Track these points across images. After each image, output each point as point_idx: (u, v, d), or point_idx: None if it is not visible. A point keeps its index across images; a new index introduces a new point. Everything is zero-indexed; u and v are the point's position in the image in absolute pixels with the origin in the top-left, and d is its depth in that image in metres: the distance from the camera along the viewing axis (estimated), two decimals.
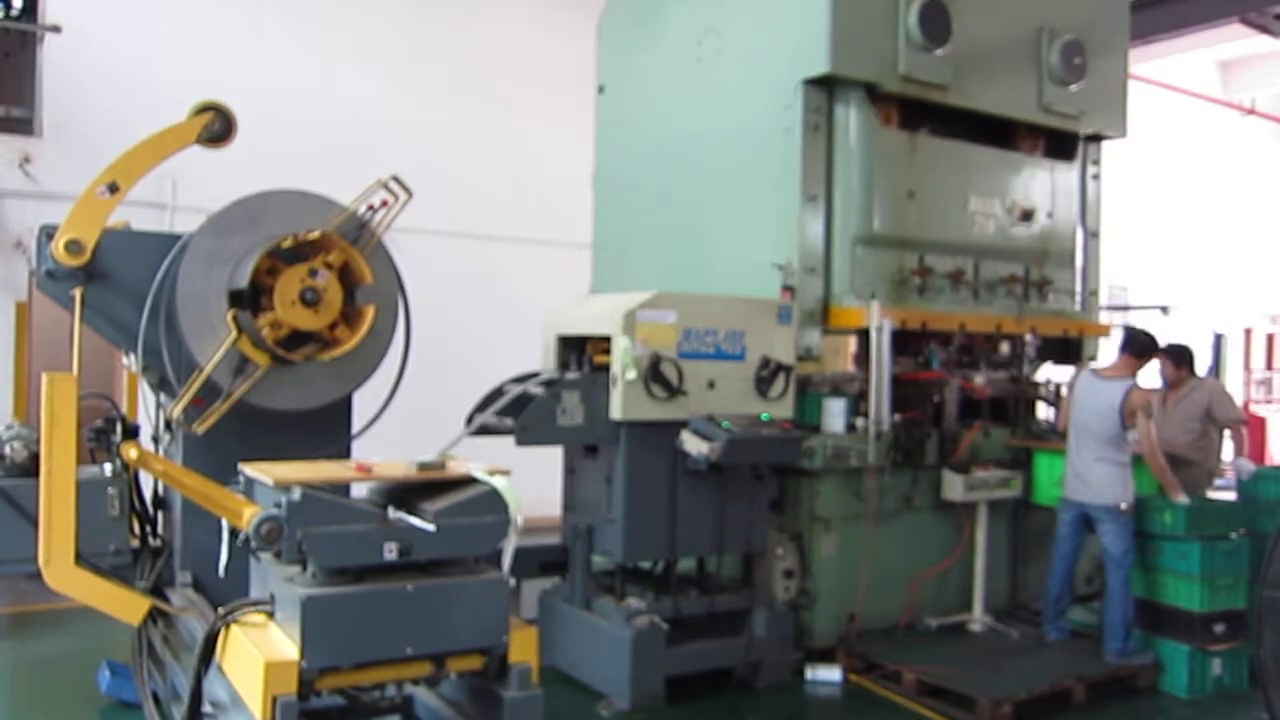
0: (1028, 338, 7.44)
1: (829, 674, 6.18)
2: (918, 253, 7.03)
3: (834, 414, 6.53)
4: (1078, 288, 8.02)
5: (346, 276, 5.22)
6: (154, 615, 4.91)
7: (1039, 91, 7.55)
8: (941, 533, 6.94)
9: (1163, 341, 6.86)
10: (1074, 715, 5.77)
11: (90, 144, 7.49)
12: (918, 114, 7.14)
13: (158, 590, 5.10)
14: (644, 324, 5.69)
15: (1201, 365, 7.82)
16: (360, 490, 4.36)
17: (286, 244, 5.03)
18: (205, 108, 5.23)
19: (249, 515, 3.89)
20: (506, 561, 4.10)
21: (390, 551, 3.90)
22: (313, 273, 5.08)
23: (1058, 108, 7.63)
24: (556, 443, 5.94)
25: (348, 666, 3.85)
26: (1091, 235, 8.16)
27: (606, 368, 5.74)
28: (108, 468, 5.08)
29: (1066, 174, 7.90)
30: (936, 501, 6.88)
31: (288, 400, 5.18)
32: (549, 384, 5.74)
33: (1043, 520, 7.11)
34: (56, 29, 8.99)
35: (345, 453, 5.50)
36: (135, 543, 5.27)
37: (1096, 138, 8.11)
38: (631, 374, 5.59)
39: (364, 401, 5.65)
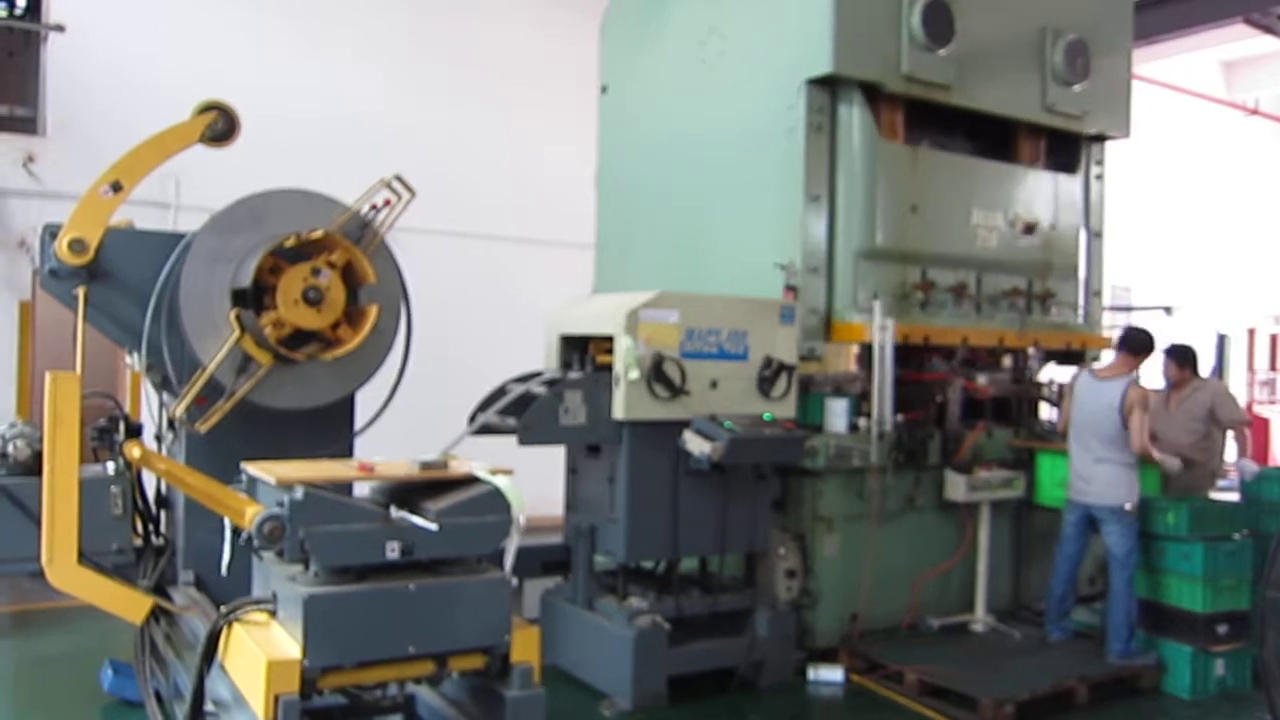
0: (1030, 351, 7.44)
1: (831, 674, 6.18)
2: (920, 267, 7.03)
3: (836, 414, 6.52)
4: (1080, 297, 8.02)
5: (349, 276, 5.23)
6: (156, 614, 4.92)
7: (1042, 91, 7.54)
8: (944, 533, 6.94)
9: (1166, 342, 6.85)
10: (1076, 716, 5.76)
11: (93, 143, 7.51)
12: (921, 118, 7.13)
13: (160, 589, 5.11)
14: (647, 324, 5.68)
15: (1205, 366, 7.81)
16: (362, 489, 4.37)
17: (289, 243, 5.04)
18: (208, 107, 5.24)
19: (251, 514, 3.89)
20: (509, 561, 4.10)
21: (392, 550, 3.91)
22: (316, 272, 5.08)
23: (1061, 108, 7.63)
24: (559, 442, 5.94)
25: (350, 665, 3.85)
26: (1095, 236, 8.16)
27: (609, 367, 5.74)
28: (111, 466, 5.10)
29: (1069, 185, 7.89)
30: (939, 502, 6.88)
31: (290, 399, 5.18)
32: (551, 383, 5.73)
33: (1045, 520, 7.10)
34: (60, 28, 9.00)
35: (348, 452, 5.51)
36: (138, 541, 5.29)
37: (1100, 138, 8.11)
38: (634, 373, 5.59)
39: (366, 401, 5.65)
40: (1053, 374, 7.88)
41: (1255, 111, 17.99)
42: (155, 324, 5.06)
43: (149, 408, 5.91)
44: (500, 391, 5.95)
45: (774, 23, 6.99)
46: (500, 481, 4.08)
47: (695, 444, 5.65)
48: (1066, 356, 7.88)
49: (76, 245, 4.88)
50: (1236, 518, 6.42)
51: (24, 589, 7.33)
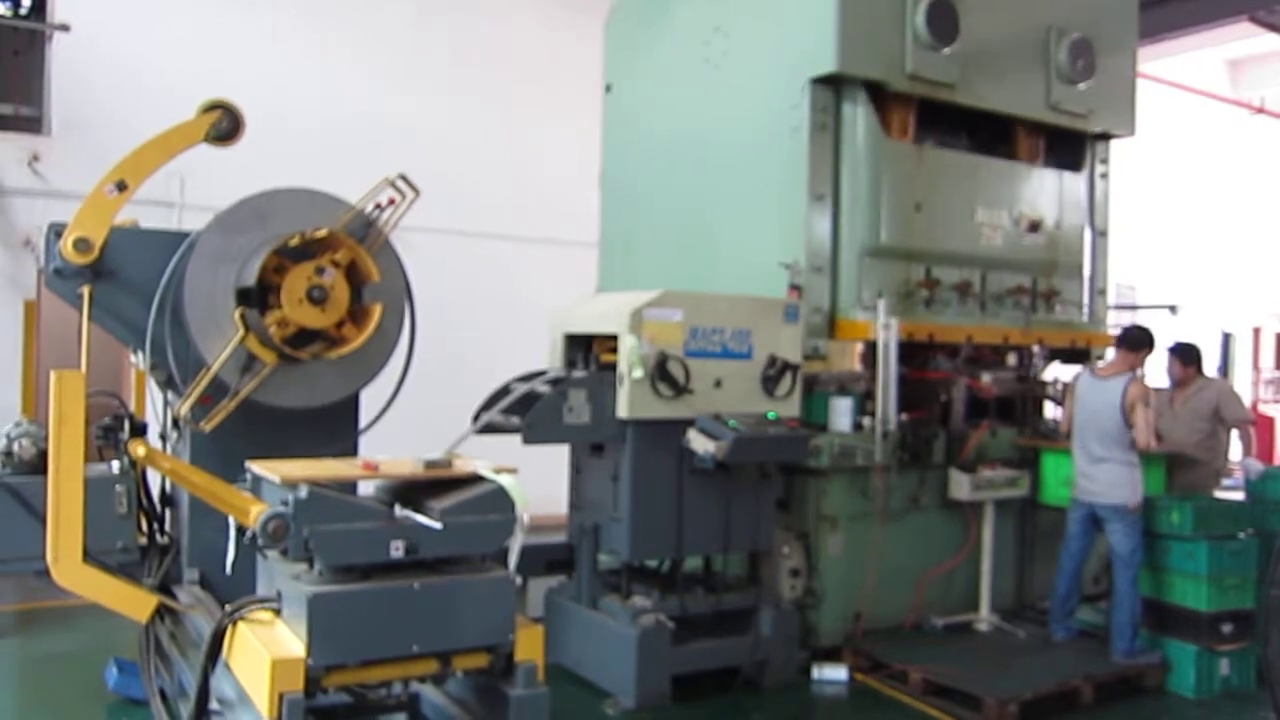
0: (1035, 349, 7.43)
1: (835, 673, 6.17)
2: (924, 264, 7.02)
3: (841, 413, 6.52)
4: (1085, 296, 8.00)
5: (353, 275, 5.23)
6: (161, 612, 4.93)
7: (1047, 90, 7.52)
8: (948, 532, 6.93)
9: (1170, 340, 6.84)
10: (1081, 715, 5.76)
11: (98, 142, 7.51)
12: (924, 117, 7.11)
13: (165, 587, 5.12)
14: (651, 322, 5.69)
15: (1210, 365, 7.79)
16: (367, 488, 4.37)
17: (294, 242, 5.04)
18: (213, 106, 5.25)
19: (256, 513, 3.89)
20: (513, 559, 4.10)
21: (397, 549, 3.91)
22: (320, 271, 5.09)
23: (1066, 106, 7.61)
24: (563, 441, 5.94)
25: (354, 664, 3.85)
26: (1099, 234, 8.14)
27: (613, 366, 5.74)
28: (115, 465, 5.11)
29: (1074, 182, 7.88)
30: (943, 501, 6.87)
31: (294, 398, 5.19)
32: (555, 382, 5.74)
33: (1050, 520, 7.09)
34: (65, 28, 9.02)
35: (352, 451, 5.51)
36: (143, 540, 5.29)
37: (1105, 136, 8.09)
38: (638, 372, 5.59)
39: (370, 400, 5.65)
40: (1057, 373, 7.86)
41: (1261, 110, 17.94)
42: (160, 323, 5.07)
43: (153, 407, 5.91)
44: (504, 390, 5.96)
45: (778, 21, 6.98)
46: (504, 480, 4.09)
47: (699, 443, 5.65)
48: (1071, 354, 7.87)
49: (81, 244, 4.89)
50: (1241, 517, 6.41)
51: (30, 587, 7.32)
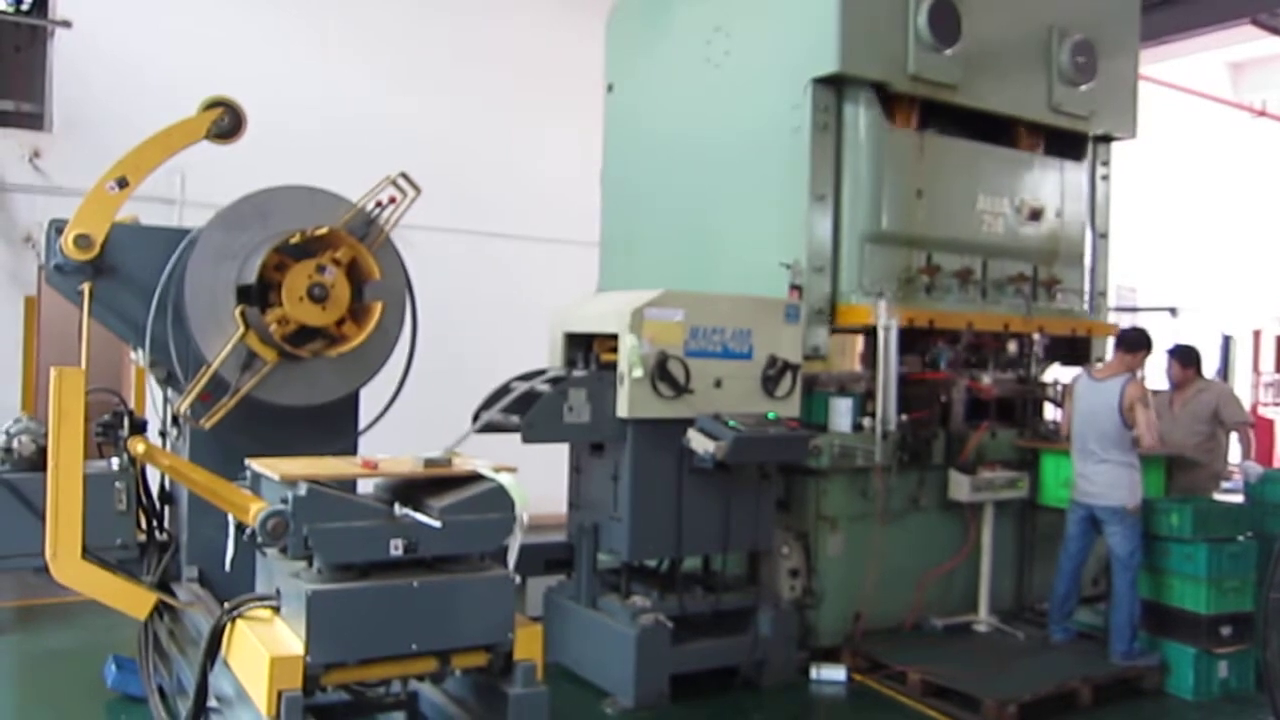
0: (1035, 337, 7.43)
1: (834, 673, 6.18)
2: (925, 251, 7.03)
3: (841, 413, 6.52)
4: (1086, 287, 8.01)
5: (354, 273, 5.22)
6: (160, 610, 4.93)
7: (1049, 91, 7.52)
8: (948, 533, 6.93)
9: (1169, 342, 6.84)
10: (1079, 717, 5.76)
11: (99, 139, 7.50)
12: (925, 116, 7.11)
13: (164, 585, 5.12)
14: (651, 322, 5.69)
15: (1210, 367, 7.79)
16: (366, 486, 4.36)
17: (294, 240, 5.03)
18: (214, 103, 5.24)
19: (255, 510, 3.89)
20: (512, 558, 4.10)
21: (396, 547, 3.91)
22: (320, 269, 5.08)
23: (1067, 108, 7.61)
24: (563, 440, 5.94)
25: (353, 662, 3.85)
26: (1100, 236, 8.14)
27: (613, 366, 5.74)
28: (115, 462, 5.11)
29: (1075, 173, 7.88)
30: (943, 502, 6.88)
31: (295, 396, 5.18)
32: (556, 381, 5.74)
33: (1049, 521, 7.09)
34: (67, 24, 9.02)
35: (352, 449, 5.51)
36: (142, 537, 5.29)
37: (1106, 138, 8.09)
38: (638, 372, 5.59)
39: (370, 398, 5.65)
40: (1057, 374, 7.86)
41: (1262, 113, 17.95)
42: (160, 320, 5.06)
43: (153, 404, 5.91)
44: (504, 389, 5.95)
45: (780, 21, 6.98)
46: (504, 479, 4.08)
47: (699, 443, 5.65)
48: (1072, 347, 7.86)
49: (82, 241, 4.88)
50: (1240, 519, 6.41)
51: (28, 584, 7.33)
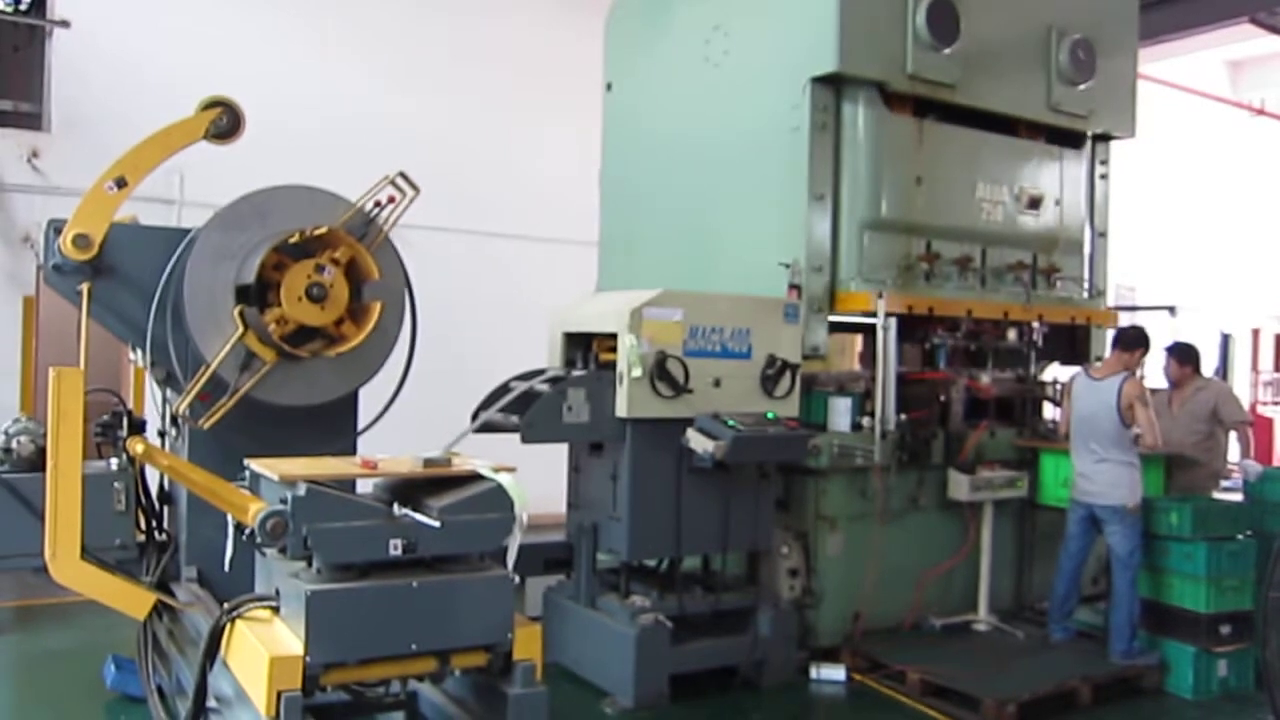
0: (1035, 325, 7.42)
1: (833, 673, 6.18)
2: (925, 238, 7.03)
3: (840, 413, 6.52)
4: (1085, 275, 8.01)
5: (353, 272, 5.22)
6: (159, 610, 4.93)
7: (1047, 91, 7.52)
8: (947, 532, 6.93)
9: (1168, 341, 6.84)
10: (1079, 716, 5.76)
11: (98, 139, 7.50)
12: (925, 112, 7.11)
13: (163, 585, 5.12)
14: (650, 322, 5.68)
15: (1209, 366, 7.78)
16: (365, 486, 4.36)
17: (293, 240, 5.03)
18: (213, 103, 5.24)
19: (254, 510, 3.89)
20: (511, 558, 4.10)
21: (395, 547, 3.90)
22: (319, 268, 5.08)
23: (1066, 107, 7.61)
24: (562, 440, 5.94)
25: (352, 662, 3.85)
26: (1099, 235, 8.14)
27: (612, 365, 5.74)
28: (114, 462, 5.11)
29: (1075, 162, 7.87)
30: (942, 501, 6.87)
31: (294, 396, 5.18)
32: (555, 381, 5.74)
33: (1048, 520, 7.09)
34: (65, 24, 9.01)
35: (351, 449, 5.51)
36: (141, 537, 5.29)
37: (1105, 137, 8.09)
38: (637, 371, 5.59)
39: (370, 398, 5.65)
40: (1055, 373, 7.86)
41: (1261, 111, 17.95)
42: (159, 320, 5.06)
43: (152, 404, 5.91)
44: (503, 389, 5.95)
45: (779, 20, 6.98)
46: (503, 479, 4.08)
47: (698, 442, 5.65)
48: (1071, 343, 7.85)
49: (81, 241, 4.88)
50: (1240, 518, 6.41)
51: (27, 584, 7.33)
